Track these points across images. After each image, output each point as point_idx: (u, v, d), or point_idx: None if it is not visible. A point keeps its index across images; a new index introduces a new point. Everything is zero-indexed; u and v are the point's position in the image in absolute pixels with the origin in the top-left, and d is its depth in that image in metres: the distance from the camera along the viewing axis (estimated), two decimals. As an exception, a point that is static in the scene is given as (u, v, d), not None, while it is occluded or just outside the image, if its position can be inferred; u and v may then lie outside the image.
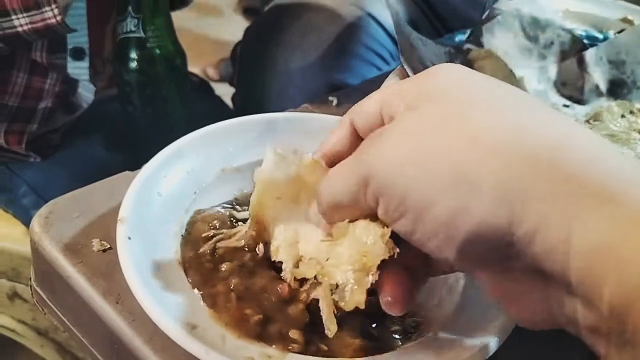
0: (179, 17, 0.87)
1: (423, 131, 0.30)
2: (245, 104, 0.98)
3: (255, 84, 0.92)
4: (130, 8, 0.71)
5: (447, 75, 0.32)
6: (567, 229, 0.25)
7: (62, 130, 0.81)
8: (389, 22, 0.89)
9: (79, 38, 0.76)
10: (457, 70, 0.33)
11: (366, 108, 0.35)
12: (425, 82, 0.32)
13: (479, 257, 0.29)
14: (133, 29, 0.71)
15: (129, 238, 0.40)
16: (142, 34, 0.72)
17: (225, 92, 1.09)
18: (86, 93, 0.79)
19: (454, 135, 0.29)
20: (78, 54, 0.76)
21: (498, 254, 0.28)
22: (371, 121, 0.35)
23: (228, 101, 1.06)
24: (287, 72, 0.88)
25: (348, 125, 0.37)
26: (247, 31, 1.01)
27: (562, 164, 0.27)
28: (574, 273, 0.25)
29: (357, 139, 0.36)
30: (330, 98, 0.65)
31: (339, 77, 0.87)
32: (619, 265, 0.24)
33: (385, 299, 0.34)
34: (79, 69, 0.77)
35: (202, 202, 0.46)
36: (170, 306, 0.37)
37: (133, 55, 0.73)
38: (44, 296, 0.46)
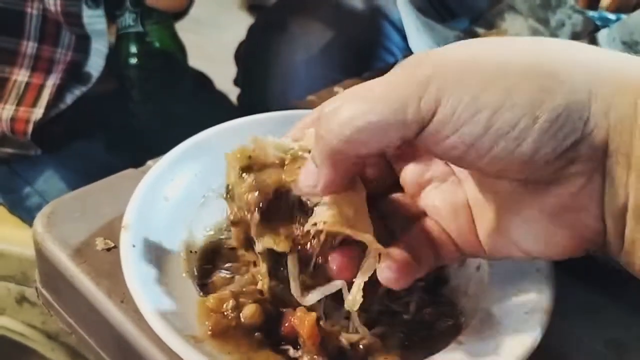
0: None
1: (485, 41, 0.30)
2: (251, 102, 0.97)
3: (259, 80, 0.91)
4: (128, 2, 0.70)
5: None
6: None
7: (66, 124, 0.80)
8: (396, 16, 0.88)
9: None
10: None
11: None
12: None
13: (554, 146, 0.27)
14: (132, 23, 0.71)
15: (134, 246, 0.39)
16: (140, 28, 0.71)
17: (228, 90, 1.08)
18: (97, 59, 0.77)
19: (518, 48, 0.29)
20: (93, 1, 0.75)
21: (573, 136, 0.27)
22: None
23: (232, 98, 1.05)
24: (291, 68, 0.87)
25: None
26: (251, 30, 1.00)
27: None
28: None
29: None
30: (336, 89, 0.64)
31: (344, 72, 0.86)
32: None
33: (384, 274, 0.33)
34: (94, 18, 0.75)
35: (211, 206, 0.45)
36: (174, 317, 0.36)
37: (132, 49, 0.73)
38: (49, 298, 0.46)
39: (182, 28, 0.83)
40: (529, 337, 0.36)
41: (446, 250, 0.34)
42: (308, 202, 0.34)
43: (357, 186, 0.34)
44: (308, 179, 0.32)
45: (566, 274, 0.41)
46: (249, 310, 0.37)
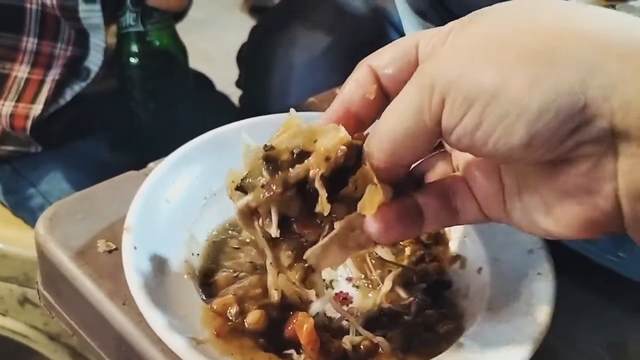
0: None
1: (486, 31, 0.30)
2: (252, 104, 0.97)
3: (261, 82, 0.91)
4: (128, 2, 0.70)
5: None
6: None
7: (67, 122, 0.80)
8: (398, 18, 0.88)
9: None
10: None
11: (394, 48, 0.33)
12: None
13: (550, 134, 0.28)
14: (132, 23, 0.71)
15: (135, 248, 0.39)
16: (141, 28, 0.72)
17: (230, 92, 1.08)
18: (96, 53, 0.77)
19: (518, 21, 0.29)
20: None
21: (571, 123, 0.27)
22: (401, 66, 0.33)
23: (233, 99, 1.05)
24: (293, 70, 0.87)
25: (367, 73, 0.34)
26: (253, 31, 1.00)
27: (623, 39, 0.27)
28: None
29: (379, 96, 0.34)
30: (337, 91, 0.63)
31: (346, 74, 0.86)
32: None
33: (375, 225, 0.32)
34: (90, 12, 0.75)
35: (213, 208, 0.45)
36: (176, 320, 0.36)
37: (134, 49, 0.73)
38: (50, 299, 0.46)
39: (184, 30, 0.83)
40: (530, 340, 0.36)
41: (468, 210, 0.34)
42: None
43: None
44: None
45: (567, 276, 0.41)
46: (254, 317, 0.37)
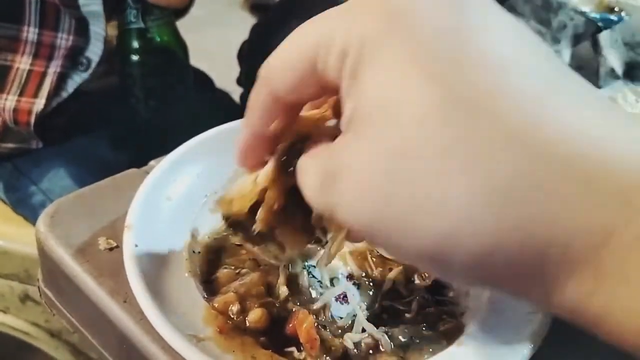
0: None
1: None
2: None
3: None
4: (129, -2, 0.70)
5: None
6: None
7: (68, 118, 0.80)
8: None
9: None
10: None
11: (293, 72, 0.28)
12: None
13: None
14: (133, 19, 0.71)
15: (136, 245, 0.39)
16: (142, 25, 0.72)
17: (231, 90, 1.08)
18: (96, 42, 0.77)
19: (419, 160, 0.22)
20: None
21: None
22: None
23: (234, 97, 1.05)
24: None
25: (271, 102, 0.29)
26: (254, 29, 1.00)
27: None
28: None
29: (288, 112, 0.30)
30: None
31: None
32: None
33: None
34: (90, 0, 0.76)
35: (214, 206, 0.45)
36: (177, 317, 0.36)
37: (134, 46, 0.73)
38: (51, 297, 0.46)
39: (184, 27, 0.83)
40: (531, 338, 0.36)
41: None
42: None
43: None
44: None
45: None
46: (255, 315, 0.37)
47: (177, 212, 0.43)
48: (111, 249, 0.43)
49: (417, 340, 0.39)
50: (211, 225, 0.45)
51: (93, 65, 0.78)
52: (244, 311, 0.37)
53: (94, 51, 0.78)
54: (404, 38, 0.23)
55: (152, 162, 0.50)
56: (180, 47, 0.78)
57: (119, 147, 0.81)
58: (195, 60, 0.88)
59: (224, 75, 1.11)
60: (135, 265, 0.38)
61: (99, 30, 0.77)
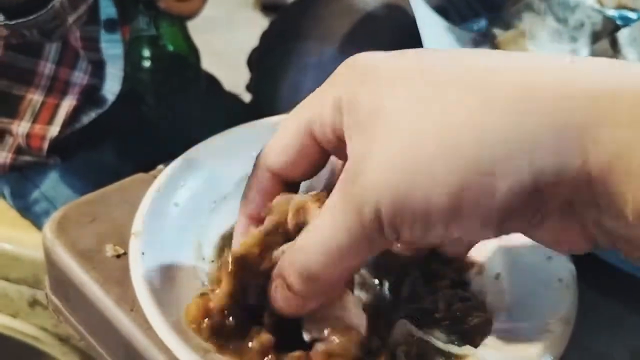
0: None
1: (414, 125, 0.26)
2: (262, 108, 0.96)
3: (271, 87, 0.90)
4: (141, 6, 0.70)
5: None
6: None
7: (81, 131, 0.80)
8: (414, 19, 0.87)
9: (109, 9, 0.75)
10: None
11: (289, 149, 0.31)
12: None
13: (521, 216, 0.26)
14: (145, 27, 0.71)
15: (143, 253, 0.38)
16: (153, 32, 0.71)
17: (240, 92, 1.08)
18: (113, 83, 0.77)
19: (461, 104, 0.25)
20: (110, 26, 0.75)
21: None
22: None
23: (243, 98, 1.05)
24: (303, 75, 0.86)
25: (268, 179, 0.32)
26: (264, 36, 0.99)
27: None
28: None
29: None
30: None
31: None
32: None
33: None
34: (112, 42, 0.76)
35: (223, 212, 0.44)
36: (184, 327, 0.35)
37: (146, 53, 0.73)
38: (58, 304, 0.45)
39: (194, 28, 0.83)
40: (550, 349, 0.35)
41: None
42: None
43: None
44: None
45: (587, 282, 0.39)
46: (261, 340, 0.35)
47: (185, 218, 0.42)
48: (118, 256, 0.42)
49: (454, 337, 0.37)
50: (220, 232, 0.44)
51: (109, 103, 0.78)
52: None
53: (111, 91, 0.78)
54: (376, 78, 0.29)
55: (160, 166, 0.49)
56: (192, 53, 0.78)
57: (126, 155, 0.81)
58: (204, 61, 0.87)
59: (234, 75, 1.11)
60: (141, 274, 0.37)
61: (117, 72, 0.77)
